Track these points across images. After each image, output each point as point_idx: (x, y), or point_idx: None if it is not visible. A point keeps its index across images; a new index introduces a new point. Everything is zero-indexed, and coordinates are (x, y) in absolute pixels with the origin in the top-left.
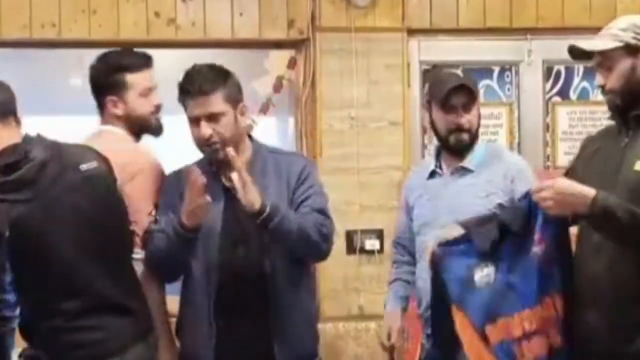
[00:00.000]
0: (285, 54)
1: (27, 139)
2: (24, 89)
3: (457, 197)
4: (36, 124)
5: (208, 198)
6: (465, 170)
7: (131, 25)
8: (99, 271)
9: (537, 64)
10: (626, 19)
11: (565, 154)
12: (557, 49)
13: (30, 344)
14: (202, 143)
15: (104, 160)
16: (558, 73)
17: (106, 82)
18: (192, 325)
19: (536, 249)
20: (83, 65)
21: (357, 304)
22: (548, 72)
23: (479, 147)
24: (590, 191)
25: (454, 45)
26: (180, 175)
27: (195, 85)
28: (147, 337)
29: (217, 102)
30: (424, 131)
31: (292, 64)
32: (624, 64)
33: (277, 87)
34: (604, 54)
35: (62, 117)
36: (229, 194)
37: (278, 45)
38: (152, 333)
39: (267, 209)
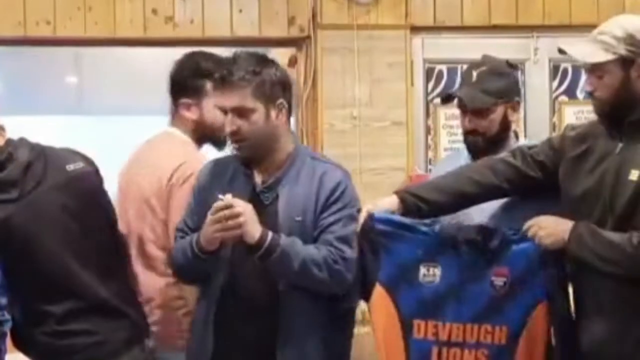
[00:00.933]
0: (285, 52)
1: (9, 142)
2: (18, 87)
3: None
4: (31, 123)
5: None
6: None
7: (128, 22)
8: (89, 273)
9: (544, 62)
10: (622, 23)
11: None
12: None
13: (25, 352)
14: (228, 137)
15: (91, 162)
16: (565, 71)
17: (186, 83)
18: (196, 325)
19: (495, 279)
20: (78, 63)
21: (359, 308)
22: (554, 70)
23: (514, 146)
24: (565, 232)
25: (459, 43)
26: (217, 169)
27: (224, 73)
28: (142, 341)
29: (245, 96)
30: (428, 131)
31: (292, 62)
32: (616, 76)
33: None
34: (595, 63)
35: (57, 116)
36: (256, 193)
37: (278, 43)
38: (148, 337)
39: (266, 242)
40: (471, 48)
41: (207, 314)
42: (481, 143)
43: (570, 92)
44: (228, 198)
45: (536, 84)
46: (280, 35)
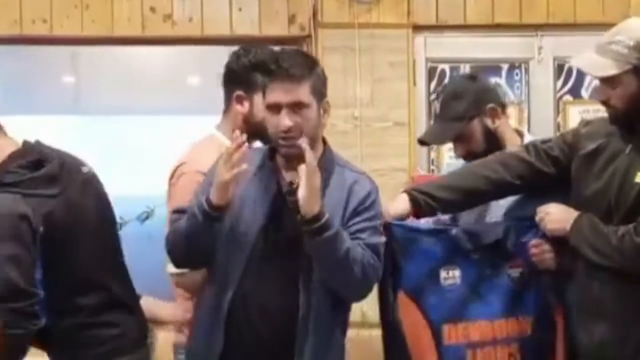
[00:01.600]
0: None
1: (26, 143)
2: (14, 87)
3: (498, 206)
4: (27, 123)
5: (244, 166)
6: None
7: (125, 20)
8: (111, 268)
9: (548, 61)
10: (632, 31)
11: None
12: (568, 45)
13: (48, 346)
14: (278, 134)
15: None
16: (569, 71)
17: (241, 76)
18: (201, 326)
19: (512, 271)
20: (75, 62)
21: (361, 310)
22: (559, 69)
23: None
24: (569, 222)
25: (461, 42)
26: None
27: (284, 67)
28: (147, 337)
29: (304, 91)
30: None
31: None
32: (630, 86)
33: None
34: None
35: (54, 116)
36: (281, 199)
37: (278, 41)
38: (150, 333)
39: (324, 218)
40: (474, 47)
41: (216, 316)
42: (472, 158)
43: (575, 92)
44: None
45: (540, 84)
46: (281, 34)
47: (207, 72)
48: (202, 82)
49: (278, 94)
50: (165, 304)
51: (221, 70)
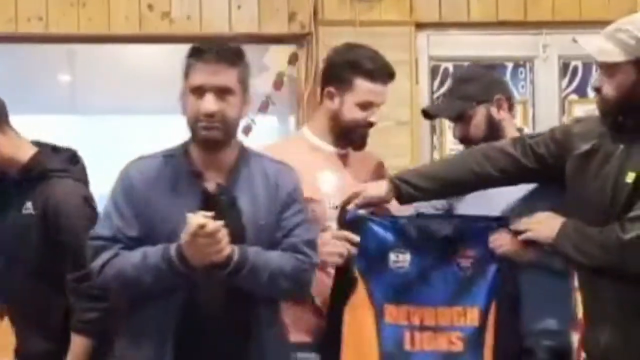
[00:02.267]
0: (286, 49)
1: (37, 141)
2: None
3: (502, 197)
4: (23, 123)
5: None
6: None
7: (123, 18)
8: None
9: (553, 59)
10: None
11: None
12: (574, 44)
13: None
14: (199, 118)
15: None
16: (575, 69)
17: (335, 72)
18: (147, 342)
19: (462, 261)
20: (72, 61)
21: None
22: (564, 68)
23: None
24: (554, 230)
25: (465, 40)
26: (152, 172)
27: (212, 50)
28: None
29: (232, 77)
30: (434, 131)
31: (293, 59)
32: (628, 77)
33: (278, 84)
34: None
35: (50, 115)
36: (209, 199)
37: (278, 39)
38: None
39: (234, 259)
40: (478, 45)
41: (164, 330)
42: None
43: (581, 91)
44: (200, 218)
45: (545, 82)
46: (281, 31)
47: None
48: None
49: (203, 76)
50: None
51: None
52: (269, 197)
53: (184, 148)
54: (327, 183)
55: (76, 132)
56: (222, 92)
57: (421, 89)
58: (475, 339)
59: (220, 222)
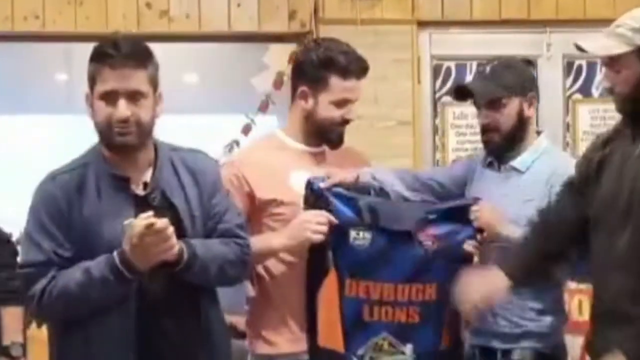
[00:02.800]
0: (286, 48)
1: None
2: (5, 85)
3: (500, 200)
4: (19, 123)
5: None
6: (515, 171)
7: (120, 17)
8: None
9: (557, 58)
10: (638, 15)
11: None
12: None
13: None
14: (112, 124)
15: None
16: (579, 68)
17: (308, 71)
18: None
19: (424, 239)
20: (69, 60)
21: None
22: (568, 67)
23: (534, 147)
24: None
25: (467, 38)
26: (68, 186)
27: (119, 53)
28: None
29: (142, 79)
30: (436, 131)
31: (293, 58)
32: (634, 69)
33: (278, 83)
34: (612, 56)
35: (46, 115)
36: (141, 201)
37: (278, 38)
38: None
39: (185, 257)
40: (481, 44)
41: (123, 333)
42: (497, 139)
43: (585, 90)
44: (144, 220)
45: (549, 82)
46: (281, 30)
47: (205, 70)
48: (200, 81)
49: (112, 81)
50: None
51: (219, 67)
52: (196, 188)
53: (97, 154)
54: (301, 183)
55: (73, 132)
56: (133, 96)
57: (423, 89)
58: (431, 312)
59: (165, 219)
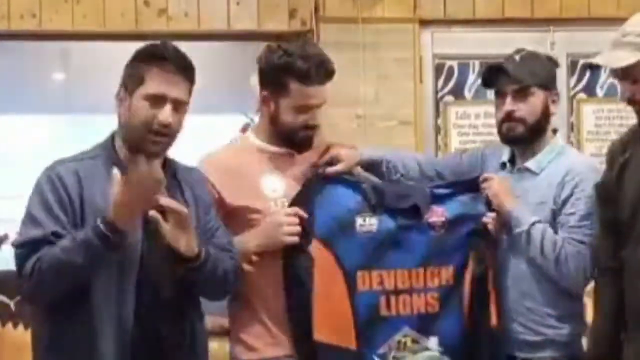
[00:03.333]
0: None
1: None
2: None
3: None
4: (15, 123)
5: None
6: (529, 172)
7: (118, 15)
8: None
9: (561, 57)
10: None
11: (592, 155)
12: (582, 41)
13: None
14: (152, 127)
15: None
16: (583, 68)
17: (269, 76)
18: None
19: (433, 220)
20: (66, 59)
21: None
22: (572, 66)
23: (550, 147)
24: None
25: (470, 37)
26: (80, 174)
27: (175, 59)
28: None
29: (187, 90)
30: (438, 131)
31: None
32: None
33: None
34: (627, 67)
35: (44, 116)
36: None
37: (278, 37)
38: None
39: (203, 254)
40: (484, 43)
41: (118, 341)
42: (521, 130)
43: (590, 90)
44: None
45: None
46: (281, 29)
47: (204, 70)
48: (199, 80)
49: (164, 85)
50: None
51: (218, 66)
52: (194, 201)
53: (109, 150)
54: (272, 188)
55: (70, 132)
56: (178, 105)
57: (425, 88)
58: (450, 297)
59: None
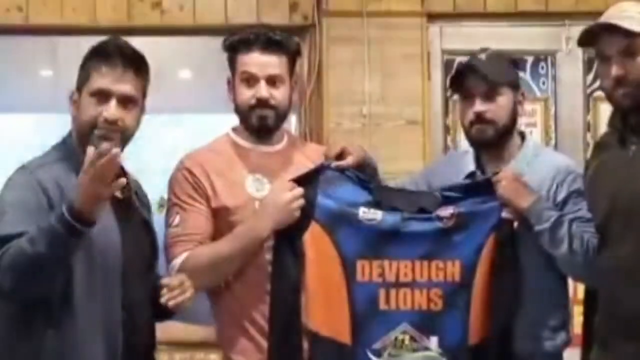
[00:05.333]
0: None
1: None
2: None
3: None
4: (2, 122)
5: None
6: None
7: (110, 9)
8: None
9: (577, 53)
10: (633, 4)
11: None
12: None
13: None
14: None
15: None
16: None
17: (228, 60)
18: None
19: (442, 212)
20: (54, 55)
21: None
22: (589, 63)
23: (523, 153)
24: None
25: (481, 32)
26: (57, 179)
27: (122, 55)
28: None
29: (138, 87)
30: (447, 131)
31: None
32: None
33: None
34: (632, 38)
35: (30, 114)
36: (119, 204)
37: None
38: None
39: None
40: (495, 38)
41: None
42: (490, 133)
43: None
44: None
45: (568, 78)
46: (281, 23)
47: (200, 66)
48: (195, 77)
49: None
50: None
51: (214, 62)
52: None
53: (69, 153)
54: (256, 187)
55: (59, 132)
56: (125, 101)
57: (434, 85)
58: (456, 296)
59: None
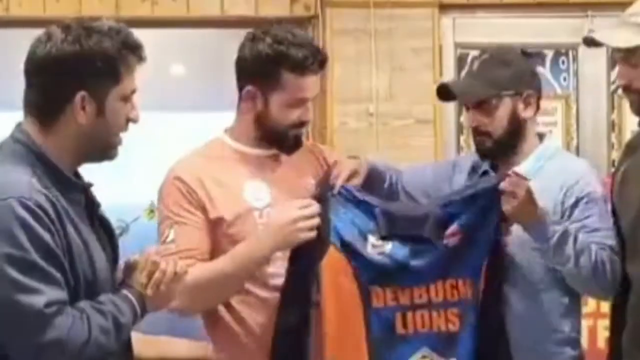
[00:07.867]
0: None
1: None
2: None
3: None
4: None
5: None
6: None
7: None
8: None
9: (600, 47)
10: None
11: None
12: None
13: None
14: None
15: None
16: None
17: (255, 68)
18: None
19: (449, 241)
20: None
21: None
22: (614, 57)
23: (535, 155)
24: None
25: (497, 23)
26: (47, 199)
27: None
28: None
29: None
30: (460, 130)
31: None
32: None
33: None
34: (629, 49)
35: (10, 113)
36: (90, 218)
37: (279, 23)
38: None
39: None
40: (511, 30)
41: None
42: (489, 145)
43: None
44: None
45: (591, 74)
46: (281, 14)
47: (194, 61)
48: (188, 72)
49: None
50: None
51: (210, 57)
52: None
53: (33, 162)
54: (255, 196)
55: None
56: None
57: None
58: (469, 313)
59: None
